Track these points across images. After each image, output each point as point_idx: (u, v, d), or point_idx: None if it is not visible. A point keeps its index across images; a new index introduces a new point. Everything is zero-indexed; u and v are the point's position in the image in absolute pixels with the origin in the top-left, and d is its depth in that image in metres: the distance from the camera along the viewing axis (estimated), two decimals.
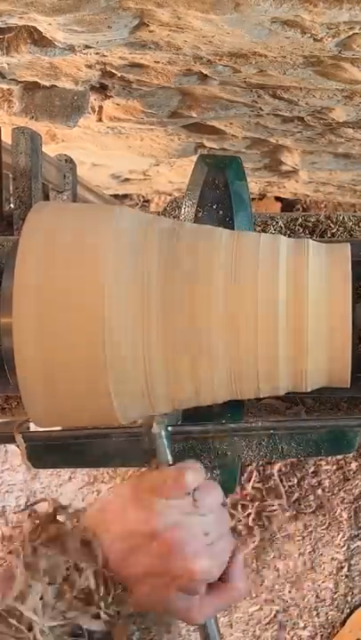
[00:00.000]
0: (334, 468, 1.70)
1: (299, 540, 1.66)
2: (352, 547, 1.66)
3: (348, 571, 1.66)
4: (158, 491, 0.68)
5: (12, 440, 0.79)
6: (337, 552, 1.65)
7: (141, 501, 0.68)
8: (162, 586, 0.67)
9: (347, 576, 1.66)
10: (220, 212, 0.76)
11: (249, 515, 1.68)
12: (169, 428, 0.71)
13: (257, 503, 1.68)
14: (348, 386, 0.71)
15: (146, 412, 0.71)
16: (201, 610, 0.70)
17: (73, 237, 0.68)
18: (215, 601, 0.70)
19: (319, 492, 1.68)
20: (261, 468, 1.69)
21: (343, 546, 1.66)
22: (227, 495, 0.74)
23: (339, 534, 1.66)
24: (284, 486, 1.68)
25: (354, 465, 1.70)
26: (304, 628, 1.64)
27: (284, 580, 1.65)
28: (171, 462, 0.70)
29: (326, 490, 1.68)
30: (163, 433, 0.71)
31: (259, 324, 0.66)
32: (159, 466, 0.70)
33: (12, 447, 1.63)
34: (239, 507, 1.68)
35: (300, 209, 1.98)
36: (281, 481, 1.69)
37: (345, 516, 1.67)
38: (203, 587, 0.69)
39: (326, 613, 1.65)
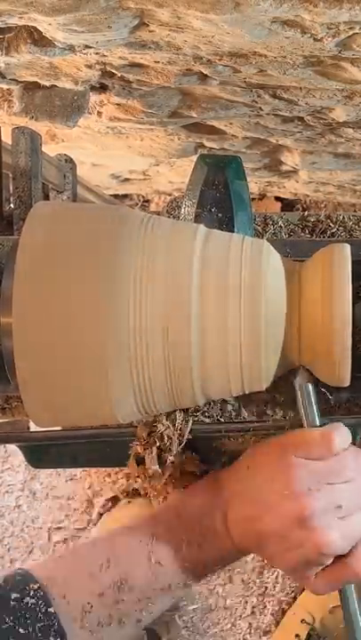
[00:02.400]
0: None
1: None
2: None
3: None
4: (304, 450, 0.67)
5: (12, 440, 0.80)
6: None
7: (284, 459, 0.67)
8: (287, 549, 0.67)
9: None
10: (220, 212, 0.76)
11: None
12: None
13: None
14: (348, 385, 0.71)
15: (145, 412, 0.71)
16: (320, 582, 0.69)
17: (73, 237, 0.68)
18: (337, 575, 0.69)
19: None
20: None
21: None
22: None
23: None
24: None
25: None
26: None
27: (283, 579, 1.65)
28: (318, 424, 0.69)
29: None
30: (311, 389, 0.70)
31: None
32: (306, 426, 0.69)
33: (11, 447, 1.63)
34: None
35: (300, 209, 1.98)
36: None
37: None
38: (329, 560, 0.67)
39: None
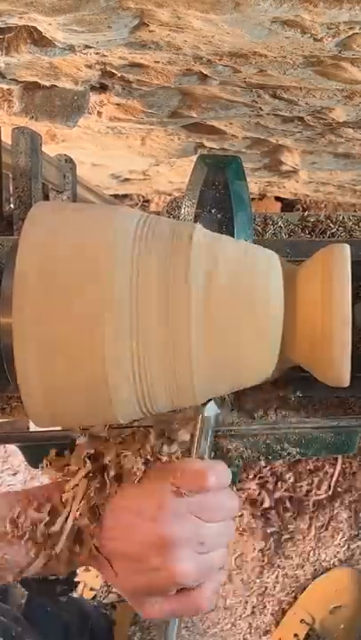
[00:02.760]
0: (334, 467, 1.70)
1: (299, 540, 1.67)
2: (352, 547, 1.66)
3: None
4: (180, 479, 0.67)
5: (12, 440, 0.79)
6: (337, 552, 1.65)
7: (159, 484, 0.67)
8: (137, 572, 0.66)
9: None
10: (220, 213, 0.76)
11: (249, 513, 1.68)
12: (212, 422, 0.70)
13: (257, 503, 1.68)
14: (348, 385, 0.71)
15: (145, 412, 0.71)
16: (160, 607, 0.69)
17: (73, 237, 0.68)
18: (175, 606, 0.69)
19: (320, 490, 1.68)
20: (261, 468, 1.69)
21: (343, 546, 1.66)
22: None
23: (338, 534, 1.66)
24: (284, 486, 1.68)
25: (354, 464, 1.70)
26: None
27: (283, 578, 1.65)
28: (204, 457, 0.69)
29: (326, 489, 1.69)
30: (212, 422, 0.70)
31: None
32: (193, 456, 0.69)
33: (11, 447, 1.63)
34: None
35: (300, 209, 1.98)
36: (281, 480, 1.69)
37: (345, 515, 1.67)
38: (173, 590, 0.68)
39: None
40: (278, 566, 1.65)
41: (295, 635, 1.49)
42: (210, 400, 0.70)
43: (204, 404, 0.70)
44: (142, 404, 0.69)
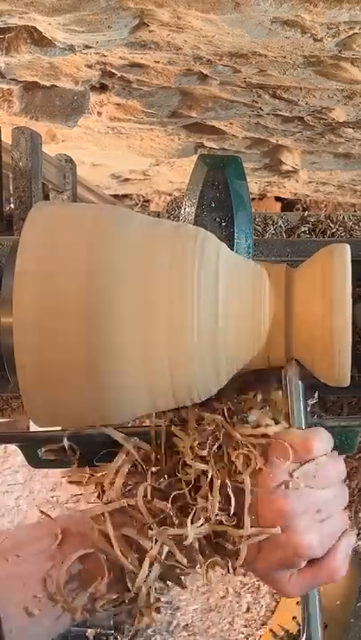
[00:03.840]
0: None
1: None
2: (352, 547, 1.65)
3: None
4: (284, 451, 0.67)
5: (12, 440, 0.79)
6: None
7: (266, 458, 0.66)
8: (264, 549, 0.66)
9: None
10: (220, 212, 0.76)
11: None
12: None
13: None
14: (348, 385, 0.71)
15: (145, 411, 0.71)
16: (295, 584, 0.68)
17: (73, 237, 0.68)
18: (311, 578, 0.68)
19: None
20: None
21: None
22: None
23: None
24: None
25: (355, 464, 1.69)
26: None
27: None
28: (303, 425, 0.69)
29: None
30: (300, 386, 0.69)
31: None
32: (291, 424, 0.69)
33: (11, 447, 1.63)
34: None
35: (301, 209, 1.98)
36: None
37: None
38: (304, 562, 0.67)
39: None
40: None
41: (294, 617, 1.49)
42: (292, 364, 0.70)
43: (287, 368, 0.69)
44: (141, 404, 0.69)
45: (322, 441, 0.68)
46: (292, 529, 0.65)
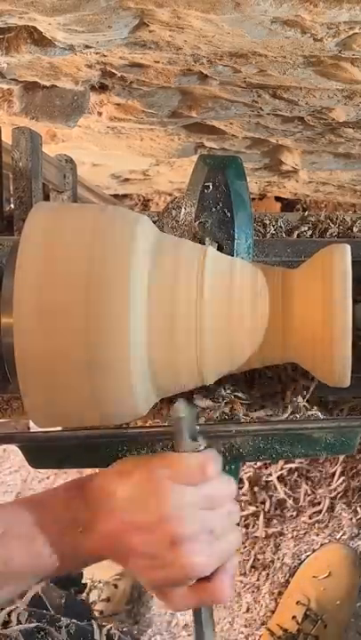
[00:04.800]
0: (336, 467, 1.70)
1: (299, 539, 1.67)
2: (352, 546, 1.66)
3: None
4: (179, 475, 0.68)
5: (12, 440, 0.79)
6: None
7: (159, 482, 0.68)
8: (154, 567, 0.68)
9: None
10: (221, 212, 0.76)
11: (250, 514, 1.68)
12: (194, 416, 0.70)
13: (257, 503, 1.68)
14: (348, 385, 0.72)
15: (144, 412, 0.71)
16: (180, 600, 0.70)
17: (73, 238, 0.68)
18: (196, 597, 0.70)
19: (320, 491, 1.68)
20: (262, 468, 1.69)
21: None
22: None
23: (339, 533, 1.66)
24: (285, 485, 1.68)
25: (355, 464, 1.70)
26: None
27: (283, 577, 1.65)
28: (198, 449, 0.70)
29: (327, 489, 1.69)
30: (189, 417, 0.70)
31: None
32: (181, 451, 0.70)
33: (11, 447, 1.63)
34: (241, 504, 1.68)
35: (300, 209, 1.98)
36: (282, 480, 1.69)
37: (345, 515, 1.67)
38: (192, 581, 0.69)
39: None
40: (273, 567, 1.65)
41: (293, 617, 1.49)
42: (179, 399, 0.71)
43: (176, 404, 0.70)
44: (141, 404, 0.69)
45: (216, 463, 0.70)
46: (182, 550, 0.66)
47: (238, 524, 0.72)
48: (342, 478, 1.68)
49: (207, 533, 0.68)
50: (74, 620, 1.03)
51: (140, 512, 0.67)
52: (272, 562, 1.65)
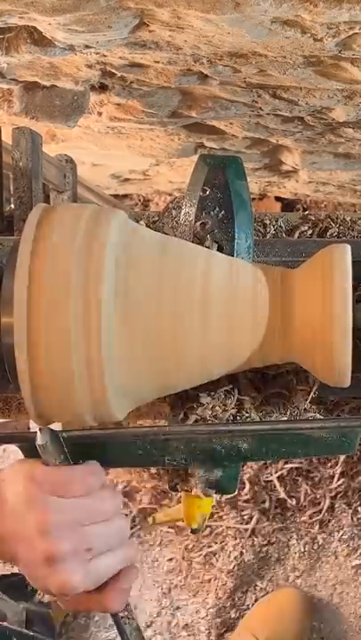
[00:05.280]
0: (336, 467, 1.70)
1: (299, 539, 1.67)
2: (353, 546, 1.66)
3: None
4: (58, 488, 0.67)
5: (12, 440, 0.79)
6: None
7: (38, 495, 0.67)
8: (36, 579, 0.68)
9: None
10: (221, 212, 0.76)
11: (251, 514, 1.68)
12: (61, 434, 0.70)
13: (257, 503, 1.68)
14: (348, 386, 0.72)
15: (137, 405, 0.71)
16: (72, 604, 0.71)
17: (67, 237, 0.68)
18: (86, 603, 0.70)
19: (320, 491, 1.68)
20: (262, 468, 1.69)
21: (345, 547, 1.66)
22: (228, 494, 0.74)
23: (339, 533, 1.66)
24: (285, 485, 1.68)
25: (355, 465, 1.70)
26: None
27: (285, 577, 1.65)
28: (69, 462, 0.69)
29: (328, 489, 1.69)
30: (55, 437, 0.69)
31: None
32: (54, 464, 0.69)
33: (11, 447, 1.63)
34: (241, 504, 1.68)
35: (301, 209, 1.98)
36: (282, 480, 1.69)
37: (346, 515, 1.67)
38: (70, 596, 0.69)
39: None
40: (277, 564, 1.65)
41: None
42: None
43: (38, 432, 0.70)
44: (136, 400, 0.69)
45: (97, 474, 0.69)
46: (57, 569, 0.66)
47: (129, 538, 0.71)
48: (342, 480, 1.68)
49: (84, 551, 0.66)
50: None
51: (21, 524, 0.67)
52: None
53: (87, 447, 0.75)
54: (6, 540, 0.68)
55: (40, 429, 0.69)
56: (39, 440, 0.69)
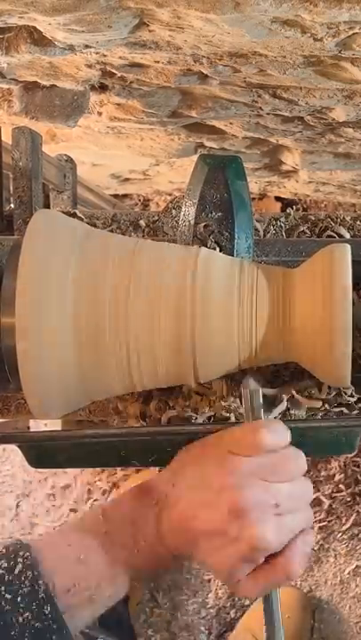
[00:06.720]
0: (336, 467, 1.70)
1: None
2: (352, 546, 1.66)
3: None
4: (235, 446, 0.66)
5: (12, 440, 0.79)
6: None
7: (216, 455, 0.66)
8: (222, 545, 0.65)
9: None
10: (221, 212, 0.76)
11: None
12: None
13: None
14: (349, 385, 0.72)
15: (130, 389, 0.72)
16: (251, 583, 0.67)
17: (73, 239, 0.68)
18: (267, 577, 0.67)
19: (320, 491, 1.68)
20: None
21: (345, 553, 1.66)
22: None
23: (339, 533, 1.66)
24: None
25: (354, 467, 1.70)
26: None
27: None
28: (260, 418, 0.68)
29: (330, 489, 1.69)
30: (259, 390, 0.68)
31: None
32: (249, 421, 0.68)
33: (11, 447, 1.63)
34: None
35: (301, 209, 1.98)
36: None
37: (346, 515, 1.67)
38: (261, 557, 0.66)
39: None
40: None
41: None
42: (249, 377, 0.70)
43: (245, 380, 0.69)
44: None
45: (273, 433, 0.67)
46: (246, 521, 0.64)
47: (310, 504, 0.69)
48: (342, 480, 1.68)
49: (271, 505, 0.64)
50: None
51: (201, 490, 0.65)
52: None
53: (87, 446, 0.75)
54: (184, 521, 0.66)
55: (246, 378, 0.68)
56: (250, 386, 0.67)
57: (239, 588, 0.68)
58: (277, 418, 0.71)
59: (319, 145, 1.35)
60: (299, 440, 0.77)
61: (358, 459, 1.68)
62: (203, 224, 0.75)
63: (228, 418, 0.78)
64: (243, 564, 0.66)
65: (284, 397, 0.75)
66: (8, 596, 0.62)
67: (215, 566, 0.67)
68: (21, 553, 0.64)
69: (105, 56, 0.96)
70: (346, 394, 0.78)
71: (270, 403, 0.77)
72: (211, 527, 0.65)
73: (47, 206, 1.10)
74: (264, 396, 0.69)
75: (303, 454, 0.69)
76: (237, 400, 0.78)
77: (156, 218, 0.87)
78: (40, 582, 0.62)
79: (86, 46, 0.90)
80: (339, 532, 1.66)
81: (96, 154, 1.51)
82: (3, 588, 0.62)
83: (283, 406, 0.73)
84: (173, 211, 0.86)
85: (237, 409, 0.78)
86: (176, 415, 0.79)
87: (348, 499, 1.67)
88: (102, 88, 1.10)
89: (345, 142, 1.31)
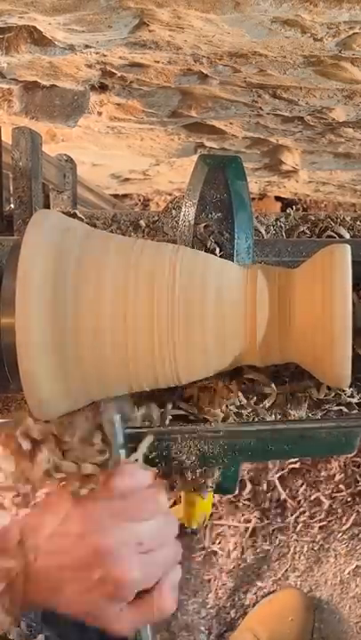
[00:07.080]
0: (336, 467, 1.70)
1: (299, 539, 1.67)
2: (352, 546, 1.66)
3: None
4: (100, 493, 0.67)
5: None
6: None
7: (78, 500, 0.66)
8: (88, 589, 0.65)
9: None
10: (221, 212, 0.76)
11: (251, 514, 1.68)
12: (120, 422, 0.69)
13: (257, 503, 1.68)
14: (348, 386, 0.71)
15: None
16: (125, 619, 0.67)
17: (74, 239, 0.68)
18: (140, 613, 0.68)
19: (320, 491, 1.68)
20: (262, 468, 1.69)
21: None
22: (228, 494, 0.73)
23: (339, 533, 1.66)
24: (285, 485, 1.68)
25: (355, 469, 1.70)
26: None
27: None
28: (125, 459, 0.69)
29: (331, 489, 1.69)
30: (117, 424, 0.69)
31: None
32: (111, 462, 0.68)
33: None
34: (241, 504, 1.68)
35: (301, 209, 1.98)
36: (282, 481, 1.69)
37: (346, 515, 1.67)
38: (130, 595, 0.66)
39: None
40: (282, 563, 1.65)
41: None
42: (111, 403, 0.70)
43: (105, 410, 0.69)
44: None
45: (130, 477, 0.68)
46: (110, 561, 0.64)
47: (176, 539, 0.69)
48: (343, 480, 1.68)
49: (134, 544, 0.65)
50: None
51: (63, 536, 0.65)
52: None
53: None
54: (49, 569, 0.65)
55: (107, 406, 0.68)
56: (106, 416, 0.67)
57: (111, 624, 0.68)
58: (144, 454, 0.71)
59: (319, 145, 1.35)
60: (299, 440, 0.77)
61: (358, 459, 1.68)
62: (203, 224, 0.75)
63: (234, 417, 0.78)
64: (112, 604, 0.66)
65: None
66: None
67: (84, 609, 0.67)
68: None
69: (105, 56, 0.96)
70: (345, 394, 0.78)
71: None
72: (77, 573, 0.65)
73: (47, 206, 1.10)
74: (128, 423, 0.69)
75: (164, 492, 0.69)
76: (242, 399, 0.78)
77: (156, 218, 0.87)
78: None
79: (86, 46, 0.90)
80: (339, 531, 1.66)
81: (96, 154, 1.51)
82: None
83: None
84: (173, 211, 0.86)
85: (242, 407, 0.78)
86: (179, 415, 0.79)
87: (349, 499, 1.67)
88: (102, 88, 1.10)
89: (345, 142, 1.31)
